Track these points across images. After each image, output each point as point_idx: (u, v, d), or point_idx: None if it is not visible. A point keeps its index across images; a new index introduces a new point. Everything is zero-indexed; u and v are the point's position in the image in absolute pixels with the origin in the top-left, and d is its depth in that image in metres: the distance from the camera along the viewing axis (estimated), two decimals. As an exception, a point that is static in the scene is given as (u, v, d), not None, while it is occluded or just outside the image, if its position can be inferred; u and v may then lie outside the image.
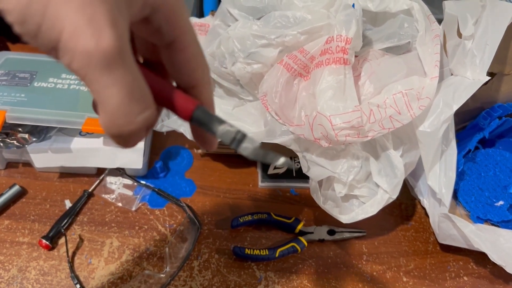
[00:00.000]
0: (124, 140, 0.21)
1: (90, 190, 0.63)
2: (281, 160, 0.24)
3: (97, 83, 0.18)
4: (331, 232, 0.61)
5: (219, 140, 0.24)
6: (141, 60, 0.26)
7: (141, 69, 0.21)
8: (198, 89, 0.25)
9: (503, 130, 0.66)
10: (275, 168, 0.68)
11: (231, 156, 0.70)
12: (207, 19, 0.68)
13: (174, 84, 0.26)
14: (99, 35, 0.17)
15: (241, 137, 0.23)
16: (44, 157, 0.61)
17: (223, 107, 0.58)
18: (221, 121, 0.23)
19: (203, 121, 0.23)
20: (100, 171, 0.66)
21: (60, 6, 0.17)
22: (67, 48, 0.17)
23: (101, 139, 0.61)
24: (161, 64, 0.25)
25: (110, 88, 0.18)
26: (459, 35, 0.52)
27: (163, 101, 0.23)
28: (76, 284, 0.54)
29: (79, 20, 0.17)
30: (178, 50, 0.23)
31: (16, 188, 0.61)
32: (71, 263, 0.56)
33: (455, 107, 0.50)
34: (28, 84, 0.63)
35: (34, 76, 0.64)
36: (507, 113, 0.62)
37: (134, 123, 0.20)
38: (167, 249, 0.57)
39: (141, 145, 0.62)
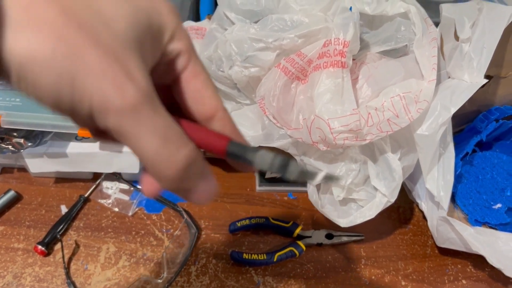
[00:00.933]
0: (183, 188, 0.22)
1: (86, 195, 0.62)
2: (319, 177, 0.24)
3: (132, 136, 0.19)
4: (329, 236, 0.61)
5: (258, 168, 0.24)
6: None
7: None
8: (219, 116, 0.25)
9: (500, 133, 0.66)
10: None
11: (228, 160, 0.69)
12: (204, 23, 0.68)
13: None
14: (123, 91, 0.19)
15: (281, 162, 0.23)
16: (39, 162, 0.60)
17: (220, 111, 0.58)
18: (255, 150, 0.23)
19: (238, 154, 0.23)
20: (96, 176, 0.65)
21: (84, 80, 0.18)
22: (100, 112, 0.19)
23: (97, 143, 0.61)
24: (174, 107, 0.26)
25: (144, 137, 0.19)
26: (456, 38, 0.52)
27: (195, 142, 0.23)
28: (72, 290, 0.53)
29: (103, 85, 0.18)
30: (192, 77, 0.24)
31: (11, 193, 0.61)
32: (67, 269, 0.55)
33: (453, 110, 0.50)
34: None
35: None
36: (504, 115, 0.62)
37: (176, 163, 0.20)
38: (164, 254, 0.56)
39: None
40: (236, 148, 0.23)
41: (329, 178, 0.24)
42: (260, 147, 0.23)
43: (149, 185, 0.24)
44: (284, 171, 0.23)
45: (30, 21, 0.18)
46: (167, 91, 0.25)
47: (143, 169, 0.23)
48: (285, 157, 0.23)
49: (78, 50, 0.18)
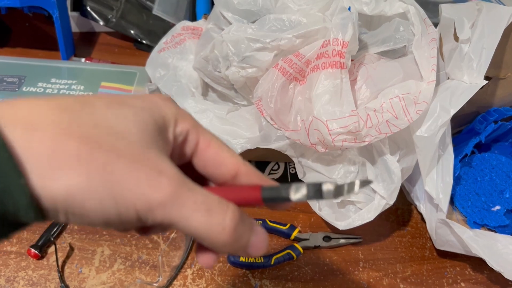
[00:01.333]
0: (239, 247, 0.23)
1: (80, 197, 0.61)
2: (357, 185, 0.24)
3: (181, 220, 0.21)
4: (327, 239, 0.60)
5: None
6: None
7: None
8: (243, 171, 0.26)
9: (499, 135, 0.65)
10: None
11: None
12: (200, 23, 0.67)
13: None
14: (158, 186, 0.21)
15: (314, 188, 0.24)
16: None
17: (217, 112, 0.57)
18: (287, 186, 0.24)
19: (274, 197, 0.24)
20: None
21: (122, 192, 0.20)
22: (147, 213, 0.21)
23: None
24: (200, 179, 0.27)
25: (191, 216, 0.21)
26: (456, 38, 0.52)
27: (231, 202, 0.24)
28: (66, 294, 0.52)
29: (140, 188, 0.20)
30: (206, 146, 0.25)
31: (4, 195, 0.59)
32: (61, 272, 0.54)
33: (453, 112, 0.50)
34: (17, 89, 0.61)
35: (23, 81, 0.63)
36: (503, 117, 0.61)
37: (226, 227, 0.22)
38: (160, 257, 0.56)
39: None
40: (270, 193, 0.24)
41: (365, 183, 0.24)
42: (289, 182, 0.24)
43: (206, 259, 0.25)
44: (321, 194, 0.24)
45: (60, 161, 0.19)
46: (190, 168, 0.26)
47: (198, 245, 0.26)
48: (316, 182, 0.24)
49: (108, 169, 0.20)
